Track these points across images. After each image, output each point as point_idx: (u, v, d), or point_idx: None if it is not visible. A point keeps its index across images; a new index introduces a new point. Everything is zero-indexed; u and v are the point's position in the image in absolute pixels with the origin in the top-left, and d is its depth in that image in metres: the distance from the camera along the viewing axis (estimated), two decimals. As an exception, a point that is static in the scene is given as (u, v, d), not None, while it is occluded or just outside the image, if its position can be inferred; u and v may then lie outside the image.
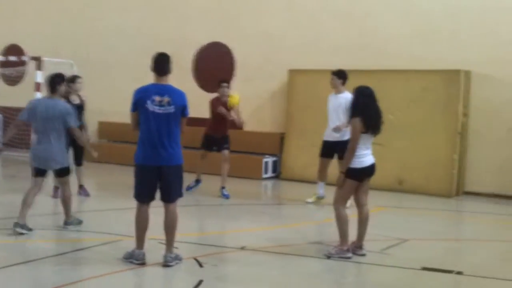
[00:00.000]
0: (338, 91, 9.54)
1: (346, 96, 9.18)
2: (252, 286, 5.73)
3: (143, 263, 6.00)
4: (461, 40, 11.71)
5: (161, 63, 6.01)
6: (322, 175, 9.82)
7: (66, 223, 7.62)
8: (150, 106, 5.83)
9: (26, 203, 7.25)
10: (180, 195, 6.16)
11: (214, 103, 10.45)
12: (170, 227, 6.08)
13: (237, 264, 6.31)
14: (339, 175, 6.58)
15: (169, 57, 6.07)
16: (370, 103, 6.52)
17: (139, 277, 5.90)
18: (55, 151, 7.25)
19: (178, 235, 6.27)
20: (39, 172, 7.37)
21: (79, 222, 7.73)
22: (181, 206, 7.66)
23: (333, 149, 9.46)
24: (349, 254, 6.52)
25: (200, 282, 5.57)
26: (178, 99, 5.94)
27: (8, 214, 8.38)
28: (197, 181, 10.66)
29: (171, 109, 5.88)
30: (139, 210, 6.05)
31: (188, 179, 10.90)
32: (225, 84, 10.62)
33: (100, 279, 5.66)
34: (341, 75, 9.54)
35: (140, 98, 5.89)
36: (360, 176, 6.55)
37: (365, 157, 6.52)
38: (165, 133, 5.89)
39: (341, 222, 6.57)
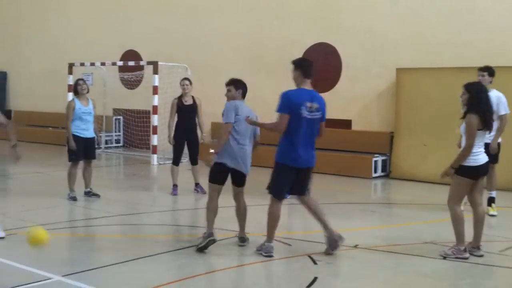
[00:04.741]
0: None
1: (497, 95, 8.36)
2: (365, 284, 5.79)
3: (271, 256, 6.36)
4: None
5: (310, 67, 6.42)
6: None
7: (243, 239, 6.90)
8: (304, 112, 6.20)
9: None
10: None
11: None
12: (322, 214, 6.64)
13: (351, 262, 6.38)
14: (448, 168, 6.44)
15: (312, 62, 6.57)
16: (486, 99, 6.44)
17: (255, 272, 6.11)
18: None
19: (292, 233, 6.46)
20: None
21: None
22: (294, 205, 7.85)
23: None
24: (467, 255, 6.41)
25: (315, 279, 5.70)
26: (323, 106, 6.38)
27: (129, 210, 9.00)
28: None
29: (319, 114, 6.33)
30: (276, 206, 6.42)
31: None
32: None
33: (217, 274, 5.97)
34: (492, 72, 8.51)
35: (296, 103, 6.19)
36: (476, 175, 6.44)
37: (479, 154, 6.41)
38: (312, 137, 6.36)
39: (457, 221, 6.47)
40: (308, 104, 6.20)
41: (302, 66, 6.39)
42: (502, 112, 8.36)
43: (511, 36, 11.82)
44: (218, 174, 6.64)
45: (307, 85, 6.37)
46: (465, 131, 6.41)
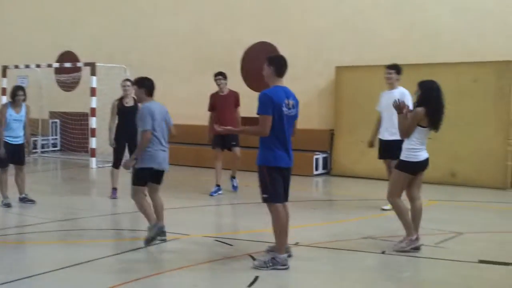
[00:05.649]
0: (393, 87, 8.74)
1: (402, 92, 8.48)
2: (307, 281, 5.82)
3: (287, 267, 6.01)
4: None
5: (284, 66, 6.09)
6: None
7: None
8: (285, 110, 5.89)
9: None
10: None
11: (211, 98, 10.43)
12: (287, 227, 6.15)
13: (292, 260, 6.35)
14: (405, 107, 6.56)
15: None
16: (437, 97, 6.48)
17: (197, 274, 6.03)
18: None
19: (232, 233, 6.40)
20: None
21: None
22: (234, 204, 7.78)
23: (389, 149, 8.51)
24: (420, 243, 6.59)
25: (256, 278, 5.69)
26: (297, 102, 6.09)
27: (67, 216, 8.77)
28: (218, 186, 10.27)
29: (295, 111, 6.04)
30: (280, 211, 5.98)
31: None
32: (219, 77, 10.40)
33: (159, 277, 5.88)
34: (399, 70, 8.76)
35: (277, 102, 5.85)
36: (414, 170, 6.58)
37: (420, 151, 6.54)
38: (290, 135, 6.03)
39: (401, 213, 6.63)
40: (286, 101, 5.91)
41: (276, 64, 6.06)
42: None
43: (448, 33, 12.15)
44: (145, 177, 6.86)
45: (280, 83, 6.07)
46: None
